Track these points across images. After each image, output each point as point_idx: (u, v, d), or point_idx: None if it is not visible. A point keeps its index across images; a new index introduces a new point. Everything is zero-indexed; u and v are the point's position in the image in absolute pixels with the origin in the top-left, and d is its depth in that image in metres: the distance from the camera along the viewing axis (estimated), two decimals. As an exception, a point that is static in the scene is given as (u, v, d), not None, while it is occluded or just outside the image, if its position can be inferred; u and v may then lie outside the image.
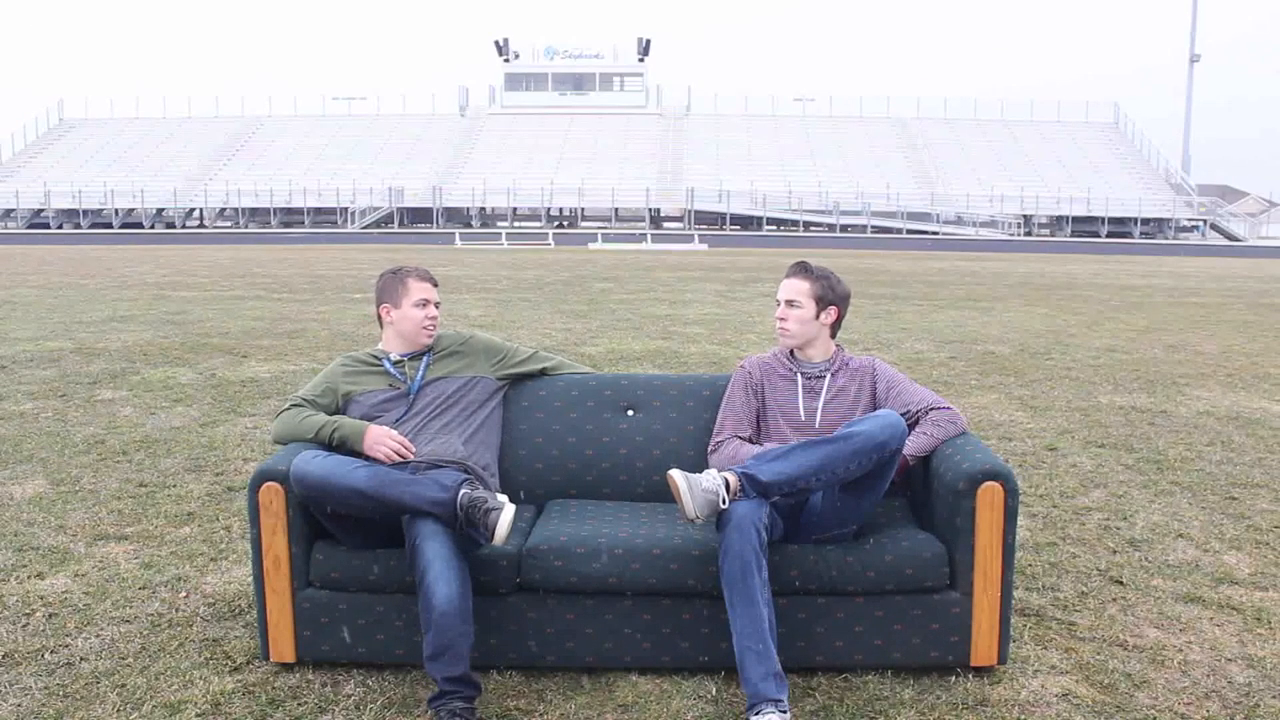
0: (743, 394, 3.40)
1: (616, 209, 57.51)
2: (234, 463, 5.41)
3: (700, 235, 42.90)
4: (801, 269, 3.37)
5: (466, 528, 2.83)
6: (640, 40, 69.79)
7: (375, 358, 3.47)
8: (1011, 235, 52.76)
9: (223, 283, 17.98)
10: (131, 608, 3.50)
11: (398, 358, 3.45)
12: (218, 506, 4.65)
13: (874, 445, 2.87)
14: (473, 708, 2.73)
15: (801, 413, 3.33)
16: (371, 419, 3.27)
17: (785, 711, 2.66)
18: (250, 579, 3.70)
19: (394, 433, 3.13)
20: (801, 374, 3.37)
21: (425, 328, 3.44)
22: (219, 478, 5.12)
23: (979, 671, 3.05)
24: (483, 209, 58.47)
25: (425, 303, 3.44)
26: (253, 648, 3.17)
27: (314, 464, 2.86)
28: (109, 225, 55.49)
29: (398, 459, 3.05)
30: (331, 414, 3.32)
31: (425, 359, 3.47)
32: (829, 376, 3.37)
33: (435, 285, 3.51)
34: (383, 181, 57.17)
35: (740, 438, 3.34)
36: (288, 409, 3.29)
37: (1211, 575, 3.87)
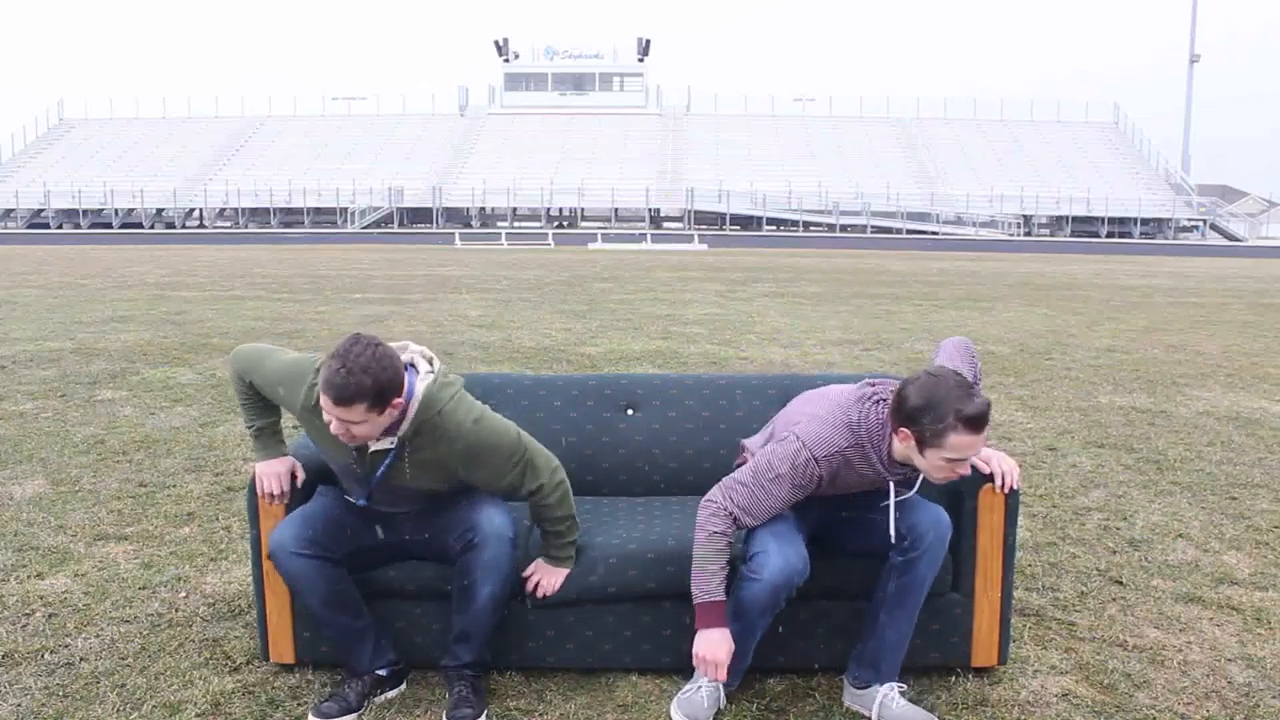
0: (798, 486, 2.65)
1: (616, 209, 57.53)
2: (234, 463, 5.41)
3: (700, 235, 42.89)
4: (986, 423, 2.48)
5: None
6: (640, 40, 69.87)
7: None
8: (1011, 235, 52.77)
9: (223, 283, 17.98)
10: (131, 608, 3.49)
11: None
12: (218, 506, 4.65)
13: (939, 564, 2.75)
14: (479, 675, 2.84)
15: (892, 534, 2.72)
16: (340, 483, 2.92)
17: (716, 687, 2.80)
18: (250, 579, 3.70)
19: (282, 478, 2.84)
20: (890, 477, 2.69)
21: (342, 436, 2.60)
22: (219, 478, 5.12)
23: (979, 672, 3.04)
24: (483, 209, 58.49)
25: (334, 422, 2.56)
26: (253, 648, 3.17)
27: (290, 564, 2.73)
28: (109, 225, 55.51)
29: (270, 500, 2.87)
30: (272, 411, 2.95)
31: (390, 456, 2.71)
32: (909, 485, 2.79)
33: (347, 403, 2.48)
34: (382, 181, 57.18)
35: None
36: (242, 383, 2.91)
37: (1211, 575, 3.87)
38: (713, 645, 2.61)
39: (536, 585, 2.87)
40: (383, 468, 2.71)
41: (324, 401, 2.51)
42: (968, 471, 2.56)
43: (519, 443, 2.76)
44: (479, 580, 2.74)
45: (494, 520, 2.77)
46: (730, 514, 2.64)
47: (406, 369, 2.65)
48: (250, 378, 2.87)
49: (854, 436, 2.62)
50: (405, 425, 2.65)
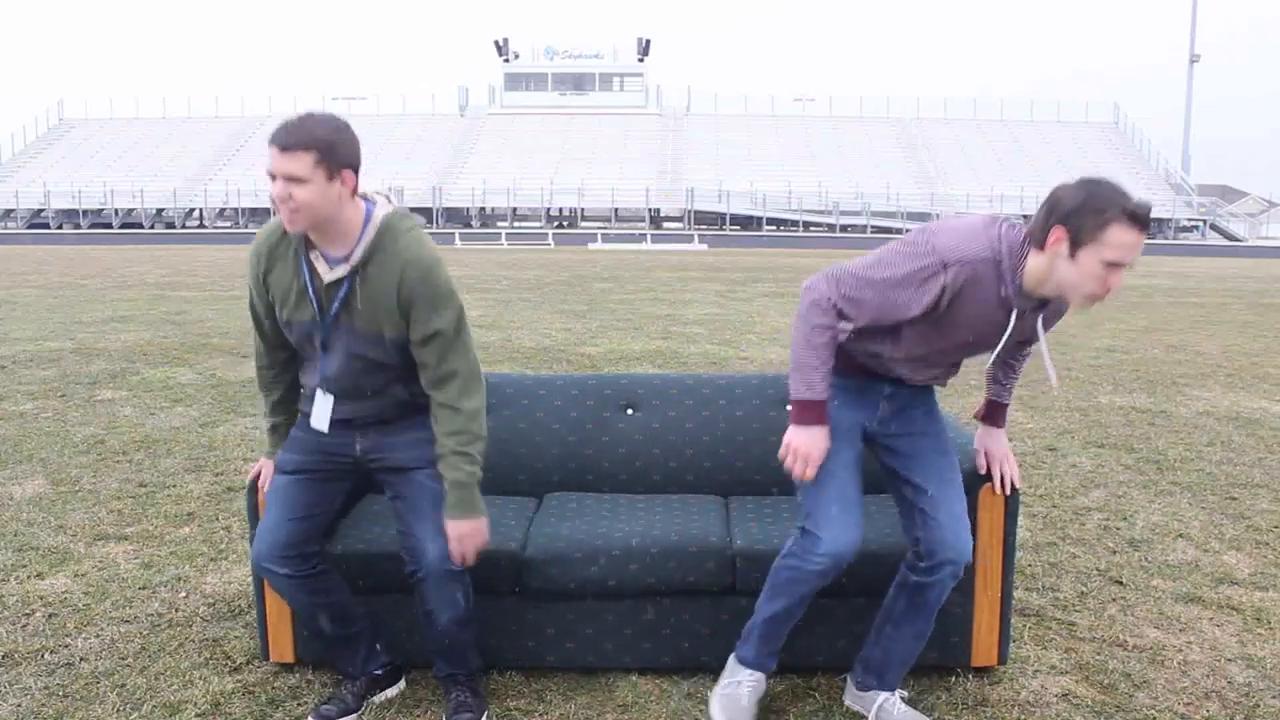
0: (917, 291, 2.33)
1: (616, 209, 57.47)
2: (234, 463, 5.41)
3: (700, 235, 42.91)
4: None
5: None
6: (640, 40, 69.77)
7: (299, 245, 2.52)
8: (1011, 235, 52.74)
9: (223, 283, 17.98)
10: (131, 608, 3.50)
11: (319, 258, 2.50)
12: (218, 506, 4.65)
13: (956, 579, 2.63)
14: (475, 678, 2.81)
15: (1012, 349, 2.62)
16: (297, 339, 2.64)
17: (758, 679, 2.71)
18: (250, 579, 3.70)
19: (270, 474, 2.82)
20: (1018, 310, 2.38)
21: (283, 206, 2.36)
22: (219, 478, 5.12)
23: (979, 672, 3.05)
24: (483, 209, 58.44)
25: (273, 177, 2.35)
26: (253, 648, 3.17)
27: (282, 586, 2.71)
28: (109, 225, 55.46)
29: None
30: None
31: (343, 288, 2.50)
32: (1040, 316, 2.44)
33: (294, 149, 2.30)
34: (382, 181, 57.09)
35: (840, 333, 2.47)
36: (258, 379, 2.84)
37: (1211, 575, 3.87)
38: (812, 438, 2.42)
39: (464, 555, 2.60)
40: (337, 301, 2.49)
41: (272, 156, 2.31)
42: (1119, 284, 2.24)
43: (461, 308, 2.57)
44: (435, 610, 2.69)
45: (430, 553, 2.60)
46: (835, 306, 2.41)
47: (364, 199, 2.53)
48: (258, 336, 2.71)
49: (992, 251, 2.31)
50: (360, 249, 2.46)
